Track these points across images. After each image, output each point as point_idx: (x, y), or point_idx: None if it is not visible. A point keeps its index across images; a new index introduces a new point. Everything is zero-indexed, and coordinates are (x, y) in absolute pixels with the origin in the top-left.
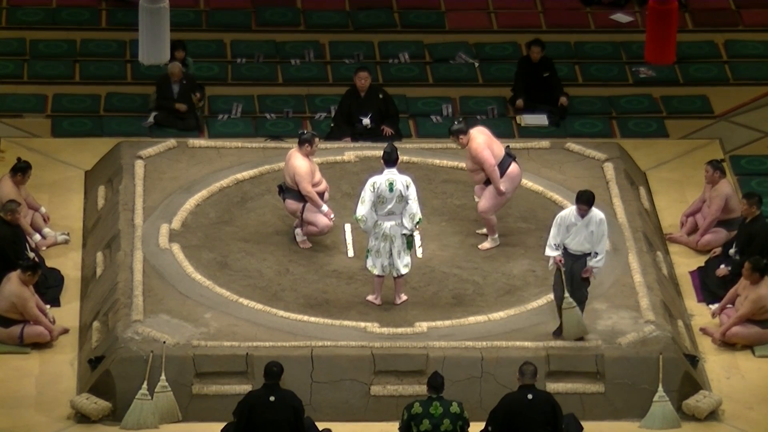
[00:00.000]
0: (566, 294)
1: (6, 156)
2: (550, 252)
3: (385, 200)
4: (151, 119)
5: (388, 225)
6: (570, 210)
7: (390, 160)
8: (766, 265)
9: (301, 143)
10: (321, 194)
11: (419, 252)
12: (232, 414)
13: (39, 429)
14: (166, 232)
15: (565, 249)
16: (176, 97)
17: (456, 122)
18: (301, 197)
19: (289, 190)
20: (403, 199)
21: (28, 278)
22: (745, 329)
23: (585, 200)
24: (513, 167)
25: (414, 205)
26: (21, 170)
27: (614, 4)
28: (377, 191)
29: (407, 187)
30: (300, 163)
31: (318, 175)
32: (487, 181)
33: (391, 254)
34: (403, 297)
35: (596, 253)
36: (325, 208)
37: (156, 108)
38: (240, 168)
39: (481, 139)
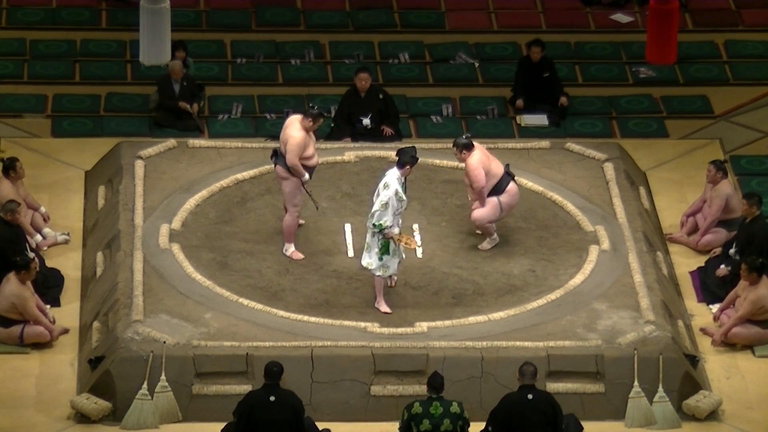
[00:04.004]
0: None
1: (6, 156)
2: None
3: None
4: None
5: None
6: None
7: (397, 160)
8: (762, 264)
9: (306, 115)
10: (313, 167)
11: (419, 252)
12: (232, 414)
13: (39, 429)
14: (166, 232)
15: None
16: (177, 97)
17: (465, 137)
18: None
19: (282, 156)
20: (377, 196)
21: (25, 276)
22: (746, 329)
23: None
24: (511, 186)
25: (376, 206)
26: (10, 167)
27: (614, 4)
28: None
29: (384, 186)
30: (295, 134)
31: (311, 150)
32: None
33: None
34: (383, 308)
35: None
36: (306, 176)
37: (158, 107)
38: (240, 168)
39: (477, 157)
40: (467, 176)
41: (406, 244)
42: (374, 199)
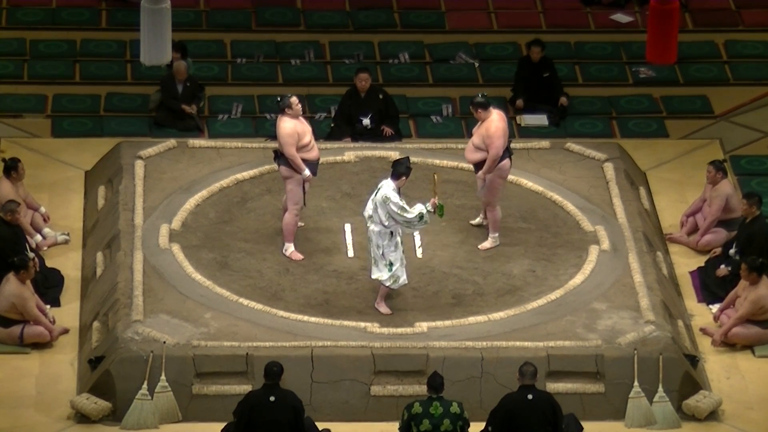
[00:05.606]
0: None
1: (6, 156)
2: None
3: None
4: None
5: (369, 227)
6: None
7: (392, 171)
8: (762, 264)
9: (281, 112)
10: (316, 161)
11: (419, 252)
12: (232, 414)
13: (39, 429)
14: (166, 232)
15: None
16: (180, 97)
17: (481, 95)
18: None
19: (283, 156)
20: (375, 210)
21: (24, 275)
22: (746, 329)
23: None
24: (505, 162)
25: (398, 219)
26: (12, 168)
27: (614, 4)
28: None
29: (384, 200)
30: (285, 126)
31: (307, 138)
32: (478, 166)
33: (371, 255)
34: (382, 308)
35: None
36: (307, 172)
37: (159, 107)
38: (240, 168)
39: (502, 126)
40: (486, 140)
41: (436, 180)
42: (370, 213)
